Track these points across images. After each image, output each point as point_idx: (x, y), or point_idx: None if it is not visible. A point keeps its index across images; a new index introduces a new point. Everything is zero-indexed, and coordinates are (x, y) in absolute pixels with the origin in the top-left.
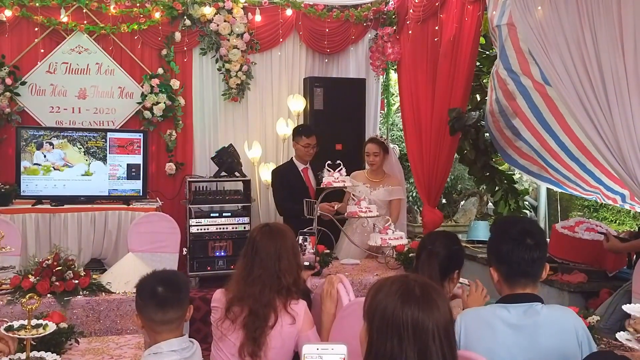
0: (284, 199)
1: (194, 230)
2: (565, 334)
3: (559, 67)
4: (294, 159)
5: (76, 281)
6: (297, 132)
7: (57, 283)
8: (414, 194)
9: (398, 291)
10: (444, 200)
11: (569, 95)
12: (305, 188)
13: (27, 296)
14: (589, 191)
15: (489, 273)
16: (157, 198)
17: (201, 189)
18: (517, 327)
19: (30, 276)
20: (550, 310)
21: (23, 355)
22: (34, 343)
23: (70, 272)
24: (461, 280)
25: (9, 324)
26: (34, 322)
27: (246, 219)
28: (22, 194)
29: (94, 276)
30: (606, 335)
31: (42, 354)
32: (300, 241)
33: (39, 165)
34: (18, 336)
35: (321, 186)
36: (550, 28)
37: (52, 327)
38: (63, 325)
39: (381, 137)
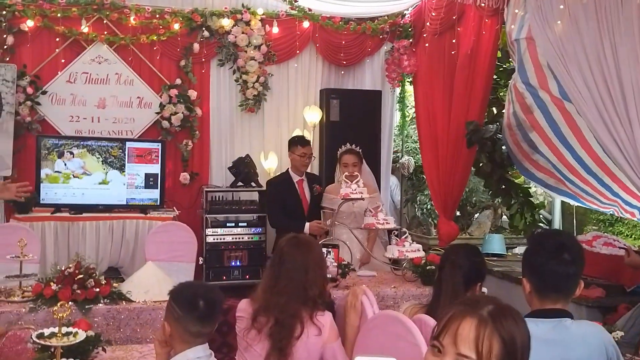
0: (277, 213)
1: (210, 239)
2: (596, 350)
3: (579, 81)
4: (290, 170)
5: (97, 289)
6: (293, 142)
7: (78, 291)
8: (429, 206)
9: None
10: (458, 213)
11: (589, 109)
12: (299, 200)
13: (58, 304)
14: (607, 204)
15: (522, 283)
16: (174, 207)
17: (217, 198)
18: (547, 342)
19: (52, 284)
20: (580, 325)
21: None
22: (62, 351)
23: (92, 280)
24: (483, 289)
25: (40, 331)
26: (63, 329)
27: (261, 229)
28: (41, 202)
29: (114, 285)
30: (625, 349)
31: None
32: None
33: (60, 172)
34: (50, 344)
35: (339, 197)
36: (570, 42)
37: (82, 335)
38: (90, 333)
39: (355, 146)
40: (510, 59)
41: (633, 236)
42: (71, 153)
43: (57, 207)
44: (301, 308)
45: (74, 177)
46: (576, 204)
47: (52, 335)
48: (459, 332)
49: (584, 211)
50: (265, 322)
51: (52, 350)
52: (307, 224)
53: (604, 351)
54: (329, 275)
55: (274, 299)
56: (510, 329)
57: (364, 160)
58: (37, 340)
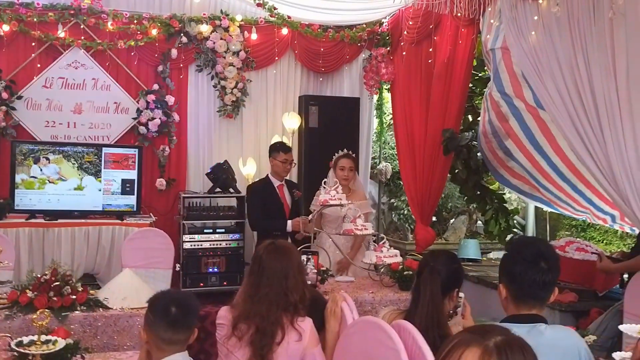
0: (258, 217)
1: (187, 246)
2: (569, 354)
3: (552, 90)
4: (269, 175)
5: (74, 297)
6: (275, 148)
7: (54, 298)
8: (405, 212)
9: None
10: (434, 219)
11: (562, 118)
12: (281, 204)
13: (37, 312)
14: (580, 211)
15: (498, 289)
16: (151, 214)
17: (195, 204)
18: None
19: (27, 291)
20: (554, 330)
21: None
22: (41, 359)
23: (68, 287)
24: (460, 295)
25: (19, 339)
26: (42, 337)
27: (240, 236)
28: (16, 207)
29: (90, 292)
30: (598, 353)
31: None
32: (303, 260)
33: (35, 178)
34: (29, 352)
35: (318, 204)
36: (544, 52)
37: (61, 343)
38: (69, 341)
39: (350, 152)
40: (485, 68)
41: (604, 241)
42: (47, 159)
43: (32, 213)
44: (282, 314)
45: (50, 182)
46: (550, 210)
47: (31, 343)
48: None
49: (557, 217)
50: (246, 329)
51: (31, 358)
52: (289, 221)
53: (576, 355)
54: (308, 282)
55: (255, 307)
56: None
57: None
58: (17, 349)
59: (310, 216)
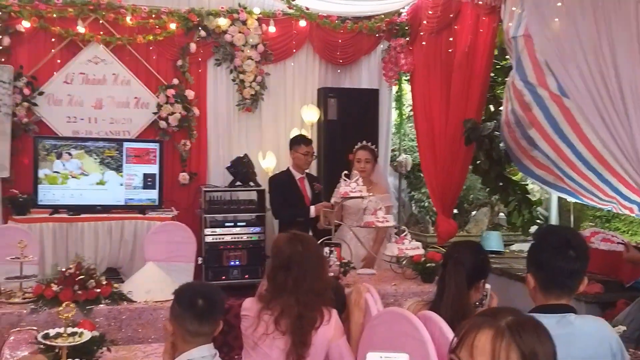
0: (281, 205)
1: (209, 239)
2: (600, 345)
3: (576, 77)
4: (290, 168)
5: (98, 290)
6: (296, 140)
7: (79, 292)
8: (426, 204)
9: None
10: (455, 211)
11: (586, 105)
12: (302, 197)
13: (63, 305)
14: (605, 201)
15: (526, 279)
16: (173, 207)
17: (216, 198)
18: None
19: (52, 285)
20: (584, 320)
21: None
22: (67, 351)
23: (92, 281)
24: (487, 286)
25: (45, 332)
26: (68, 330)
27: (260, 229)
28: (39, 203)
29: (114, 285)
30: (625, 344)
31: None
32: (325, 252)
33: (58, 173)
34: (56, 344)
35: (338, 196)
36: (567, 39)
37: (87, 335)
38: (95, 333)
39: (371, 144)
40: (507, 56)
41: (630, 232)
42: (69, 154)
43: (55, 208)
44: (317, 302)
45: (72, 177)
46: (575, 200)
47: (58, 335)
48: (475, 344)
49: (580, 207)
50: (287, 321)
51: (57, 350)
52: (312, 207)
53: (607, 346)
54: (331, 274)
55: (290, 298)
56: (530, 342)
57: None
58: (43, 341)
59: (332, 200)
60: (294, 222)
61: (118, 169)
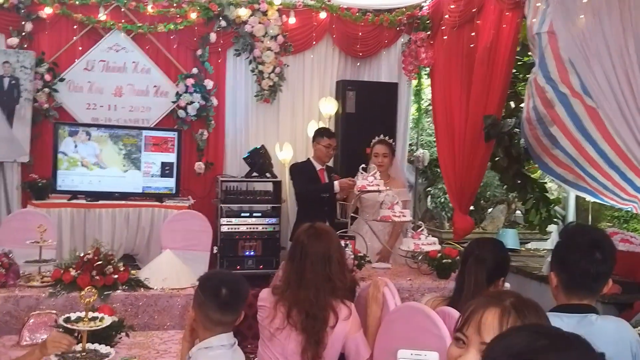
0: (304, 183)
1: (224, 229)
2: (620, 345)
3: (600, 76)
4: (311, 159)
5: (115, 276)
6: (319, 133)
7: (97, 277)
8: (442, 200)
9: None
10: (471, 207)
11: (610, 105)
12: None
13: (85, 289)
14: (627, 200)
15: (549, 277)
16: (189, 196)
17: (232, 188)
18: None
19: (71, 270)
20: (605, 321)
21: (79, 347)
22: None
23: (110, 267)
24: (506, 285)
25: (67, 315)
26: (90, 314)
27: (276, 220)
28: (58, 188)
29: (132, 272)
30: None
31: (97, 346)
32: None
33: (66, 155)
34: (77, 328)
35: (355, 190)
36: (593, 36)
37: (108, 320)
38: (114, 318)
39: (388, 138)
40: (529, 53)
41: None
42: (88, 134)
43: (74, 194)
44: (330, 298)
45: (83, 165)
46: (595, 200)
47: (79, 319)
48: (483, 321)
49: (598, 207)
50: (297, 316)
51: (77, 334)
52: (336, 182)
53: (628, 347)
54: None
55: (302, 293)
56: (533, 320)
57: (396, 154)
58: (64, 325)
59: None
60: (318, 199)
61: (138, 156)
